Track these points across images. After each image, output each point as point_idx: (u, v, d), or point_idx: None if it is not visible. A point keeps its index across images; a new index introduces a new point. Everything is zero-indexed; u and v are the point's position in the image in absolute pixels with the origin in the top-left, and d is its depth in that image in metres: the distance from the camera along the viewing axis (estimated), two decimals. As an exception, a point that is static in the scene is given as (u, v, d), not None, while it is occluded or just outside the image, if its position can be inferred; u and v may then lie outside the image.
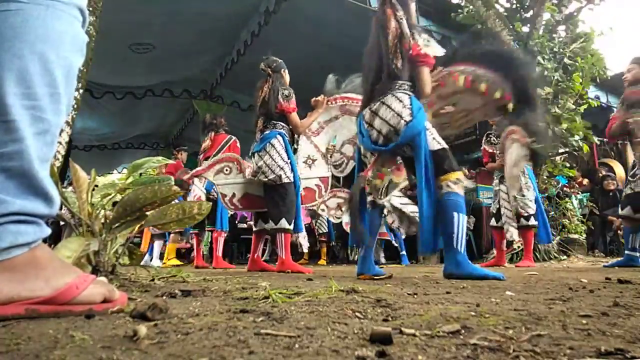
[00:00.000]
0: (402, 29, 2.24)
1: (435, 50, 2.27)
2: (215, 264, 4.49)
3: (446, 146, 2.19)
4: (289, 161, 3.30)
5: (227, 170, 3.42)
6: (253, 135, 3.57)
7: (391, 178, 2.35)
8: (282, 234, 3.21)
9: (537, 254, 4.93)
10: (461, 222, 2.04)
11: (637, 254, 3.53)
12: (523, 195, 4.15)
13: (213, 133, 4.80)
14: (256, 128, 3.41)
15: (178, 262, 5.09)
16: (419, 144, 2.12)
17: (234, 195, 3.39)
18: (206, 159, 4.70)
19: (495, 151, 4.46)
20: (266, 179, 3.24)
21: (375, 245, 2.52)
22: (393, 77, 2.24)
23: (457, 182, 2.09)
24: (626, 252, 3.62)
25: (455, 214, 2.04)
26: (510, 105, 2.37)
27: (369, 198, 2.40)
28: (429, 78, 2.27)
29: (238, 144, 4.76)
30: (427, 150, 2.12)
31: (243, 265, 5.20)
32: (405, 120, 2.15)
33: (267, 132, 3.32)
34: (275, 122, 3.34)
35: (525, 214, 4.12)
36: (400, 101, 2.19)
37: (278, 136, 3.31)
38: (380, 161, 2.34)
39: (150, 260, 5.79)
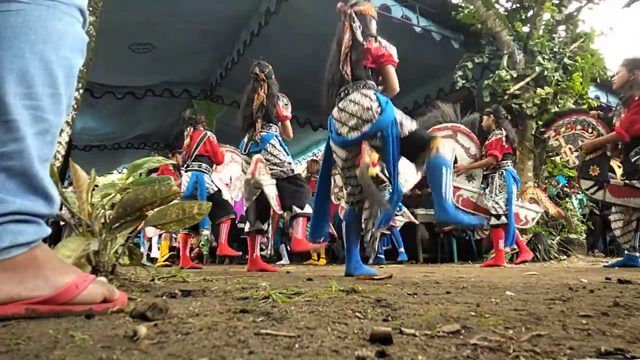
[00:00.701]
0: (356, 36, 2.41)
1: (394, 52, 2.42)
2: (219, 252, 4.53)
3: (417, 126, 2.34)
4: (289, 156, 3.54)
5: (262, 171, 3.51)
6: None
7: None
8: (302, 219, 3.42)
9: (537, 254, 4.94)
10: (449, 175, 2.23)
11: (637, 254, 3.53)
12: (494, 196, 4.28)
13: (192, 129, 4.83)
14: (252, 129, 3.51)
15: (165, 263, 5.10)
16: (388, 136, 2.23)
17: (276, 195, 3.50)
18: (189, 156, 4.72)
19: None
20: (274, 171, 3.42)
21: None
22: (353, 79, 2.38)
23: (439, 148, 2.24)
24: (626, 252, 3.63)
25: (444, 167, 2.22)
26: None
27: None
28: (395, 76, 2.42)
29: (213, 139, 4.76)
30: (396, 141, 2.24)
31: (243, 265, 5.20)
32: (376, 112, 2.25)
33: (263, 133, 3.47)
34: (270, 124, 3.53)
35: (495, 213, 4.23)
36: (367, 96, 2.30)
37: (275, 137, 3.52)
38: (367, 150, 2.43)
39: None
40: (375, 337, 0.59)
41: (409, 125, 2.29)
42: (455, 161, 4.44)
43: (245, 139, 3.57)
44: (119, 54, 6.71)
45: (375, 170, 2.34)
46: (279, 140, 3.53)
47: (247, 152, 3.53)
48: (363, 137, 2.28)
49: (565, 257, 5.14)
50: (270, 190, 3.46)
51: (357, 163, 2.32)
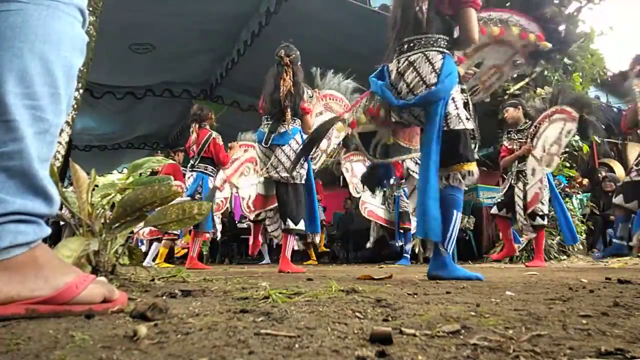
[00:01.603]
0: None
1: None
2: (187, 265, 4.37)
3: (470, 127, 1.97)
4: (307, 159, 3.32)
5: (246, 171, 3.40)
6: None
7: (398, 140, 2.14)
8: (292, 237, 3.24)
9: (537, 254, 4.93)
10: (458, 222, 1.96)
11: (625, 242, 3.52)
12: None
13: (197, 125, 4.65)
14: (277, 117, 3.24)
15: (168, 265, 5.11)
16: (434, 113, 1.89)
17: (249, 197, 3.37)
18: (193, 156, 4.62)
19: (514, 147, 4.35)
20: (286, 174, 3.19)
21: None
22: (422, 29, 1.98)
23: (467, 175, 1.95)
24: (614, 240, 3.62)
25: (455, 212, 1.94)
26: (546, 44, 2.19)
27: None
28: (475, 23, 1.97)
29: (219, 140, 4.61)
30: (441, 122, 1.90)
31: (243, 265, 5.21)
32: (427, 85, 1.92)
33: (290, 127, 3.23)
34: (295, 118, 3.29)
35: (541, 213, 4.05)
36: (431, 63, 1.93)
37: (299, 133, 3.29)
38: (365, 104, 2.09)
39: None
40: (375, 337, 0.59)
41: (455, 121, 1.93)
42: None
43: (266, 130, 3.27)
44: (119, 54, 6.71)
45: (350, 131, 2.04)
46: (302, 138, 3.27)
47: (268, 144, 3.25)
48: (404, 105, 1.95)
49: (565, 257, 5.14)
50: (245, 193, 3.32)
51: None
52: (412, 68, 1.96)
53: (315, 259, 6.71)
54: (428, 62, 1.93)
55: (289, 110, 3.19)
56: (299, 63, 3.37)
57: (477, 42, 1.98)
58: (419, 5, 1.96)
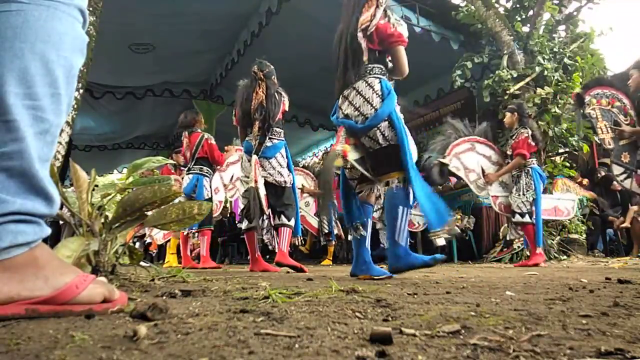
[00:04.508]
0: (376, 15, 2.22)
1: (405, 30, 2.25)
2: (202, 264, 4.48)
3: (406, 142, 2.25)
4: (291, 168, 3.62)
5: (259, 173, 3.51)
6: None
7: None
8: (288, 229, 3.47)
9: (537, 254, 4.93)
10: (405, 216, 2.15)
11: None
12: (521, 195, 4.22)
13: (186, 132, 4.76)
14: (249, 130, 3.48)
15: (176, 264, 5.15)
16: (394, 120, 2.13)
17: (265, 196, 3.52)
18: (189, 159, 4.70)
19: (508, 151, 4.47)
20: (275, 179, 3.46)
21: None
22: (362, 62, 2.25)
23: (403, 181, 2.16)
24: None
25: (401, 207, 2.14)
26: None
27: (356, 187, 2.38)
28: (405, 58, 2.25)
29: (211, 141, 4.69)
30: (402, 128, 2.13)
31: (243, 265, 5.21)
32: (375, 108, 2.17)
33: (275, 141, 3.48)
34: (279, 130, 3.51)
35: (519, 211, 4.18)
36: (372, 87, 2.20)
37: (285, 146, 3.57)
38: (344, 136, 2.30)
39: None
40: (375, 337, 0.59)
41: (392, 135, 2.17)
42: (483, 172, 4.38)
43: (254, 141, 3.45)
44: (119, 54, 6.72)
45: (346, 160, 2.21)
46: (287, 149, 3.57)
47: (258, 155, 3.43)
48: (364, 128, 2.18)
49: (565, 257, 5.14)
50: (261, 191, 3.43)
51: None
52: (355, 92, 2.23)
53: (330, 259, 6.70)
54: (370, 87, 2.20)
55: (257, 122, 3.38)
56: (273, 77, 3.52)
57: (407, 73, 2.29)
58: (359, 42, 2.24)
